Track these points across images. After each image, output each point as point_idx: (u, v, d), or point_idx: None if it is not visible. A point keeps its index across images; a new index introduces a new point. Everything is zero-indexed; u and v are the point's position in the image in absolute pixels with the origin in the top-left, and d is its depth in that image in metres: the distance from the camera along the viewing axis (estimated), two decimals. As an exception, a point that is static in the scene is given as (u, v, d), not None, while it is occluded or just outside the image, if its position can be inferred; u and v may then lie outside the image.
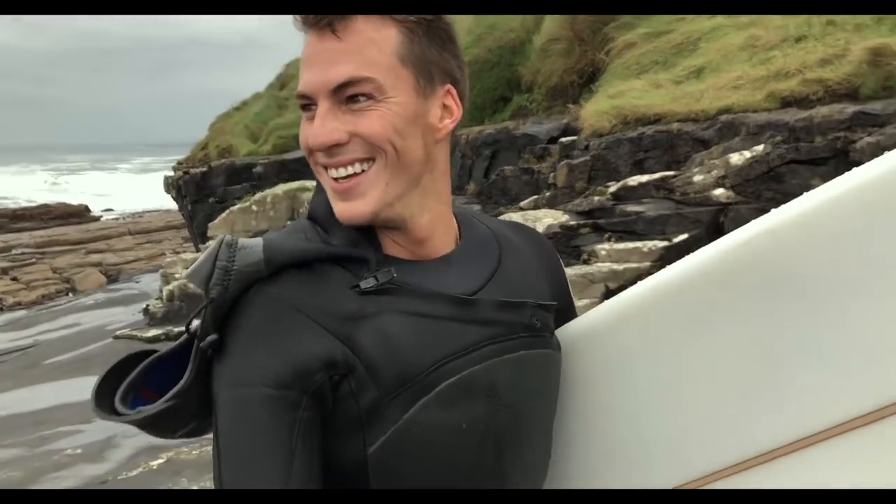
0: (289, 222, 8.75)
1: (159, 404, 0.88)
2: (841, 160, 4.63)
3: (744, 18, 6.99)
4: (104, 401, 0.92)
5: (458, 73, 0.97)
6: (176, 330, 8.96)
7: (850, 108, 4.80)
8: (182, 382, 0.88)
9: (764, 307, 0.88)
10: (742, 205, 4.77)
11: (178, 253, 15.87)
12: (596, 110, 6.49)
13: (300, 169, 10.96)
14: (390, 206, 0.92)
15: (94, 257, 18.96)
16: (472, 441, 0.92)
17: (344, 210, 0.92)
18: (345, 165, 0.90)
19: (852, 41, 5.60)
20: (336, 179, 0.91)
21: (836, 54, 5.50)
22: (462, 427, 0.91)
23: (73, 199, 28.82)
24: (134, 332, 9.33)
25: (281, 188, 9.02)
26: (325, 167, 0.92)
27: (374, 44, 0.89)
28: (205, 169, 12.93)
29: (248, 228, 9.12)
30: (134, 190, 40.69)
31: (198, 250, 11.48)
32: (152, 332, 9.09)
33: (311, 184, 9.18)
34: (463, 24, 9.78)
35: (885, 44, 4.99)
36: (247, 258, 0.88)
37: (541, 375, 0.99)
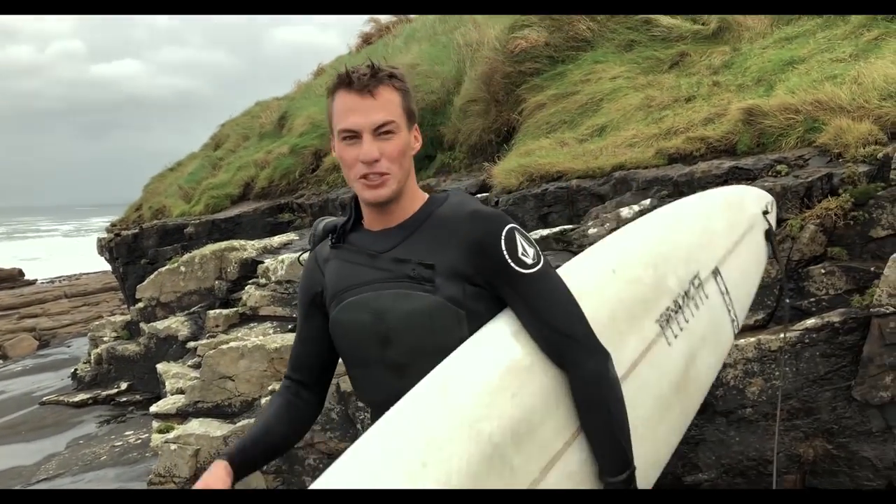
0: (217, 281, 8.83)
1: None
2: (719, 211, 5.03)
3: (641, 80, 7.49)
4: None
5: (417, 116, 1.75)
6: (104, 393, 8.89)
7: (727, 163, 5.21)
8: None
9: None
10: (632, 255, 5.12)
11: (113, 314, 15.68)
12: (504, 168, 6.84)
13: (230, 228, 11.06)
14: (395, 191, 1.68)
15: (28, 322, 18.52)
16: (361, 335, 1.71)
17: (375, 195, 1.67)
18: (377, 172, 1.65)
19: (733, 101, 6.08)
20: (367, 177, 1.65)
21: (718, 113, 5.96)
22: (354, 326, 1.72)
23: (6, 264, 28.09)
24: (61, 398, 9.20)
25: (209, 248, 9.08)
26: (365, 175, 1.65)
27: (392, 102, 1.67)
28: (136, 230, 12.94)
29: (178, 289, 9.13)
30: (70, 252, 39.86)
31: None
32: (80, 397, 8.99)
33: (238, 243, 9.29)
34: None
35: (756, 104, 5.44)
36: (318, 228, 1.86)
37: (412, 307, 1.65)
